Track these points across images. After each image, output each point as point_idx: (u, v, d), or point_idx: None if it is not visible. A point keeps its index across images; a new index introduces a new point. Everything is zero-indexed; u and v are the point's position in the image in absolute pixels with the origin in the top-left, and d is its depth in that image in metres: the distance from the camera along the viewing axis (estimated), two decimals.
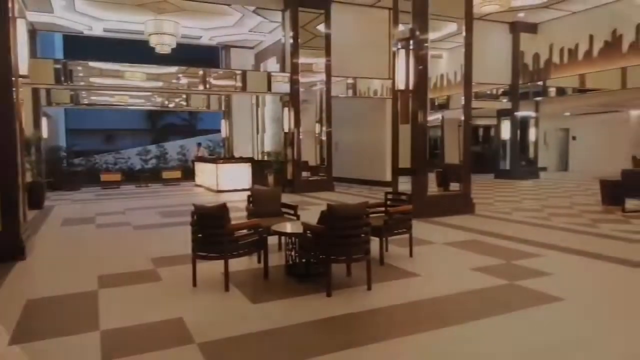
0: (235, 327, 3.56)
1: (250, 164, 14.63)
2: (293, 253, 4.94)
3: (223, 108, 19.51)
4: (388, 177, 12.76)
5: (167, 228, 8.16)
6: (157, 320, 3.76)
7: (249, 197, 6.12)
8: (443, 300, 4.15)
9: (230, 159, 15.62)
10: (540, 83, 16.99)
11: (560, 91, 16.71)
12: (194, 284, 4.62)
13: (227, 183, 14.10)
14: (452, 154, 11.75)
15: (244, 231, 4.75)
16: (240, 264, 5.25)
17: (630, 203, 8.95)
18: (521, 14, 15.85)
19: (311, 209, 9.49)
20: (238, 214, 8.06)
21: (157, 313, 3.90)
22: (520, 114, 17.39)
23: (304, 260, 4.72)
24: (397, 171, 9.02)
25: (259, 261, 5.34)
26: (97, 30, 15.96)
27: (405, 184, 8.76)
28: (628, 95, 14.91)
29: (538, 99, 17.43)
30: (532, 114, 17.81)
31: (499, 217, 8.60)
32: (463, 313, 3.80)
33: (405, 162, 8.85)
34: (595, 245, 6.15)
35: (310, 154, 14.41)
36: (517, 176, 17.01)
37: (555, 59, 16.32)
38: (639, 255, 5.53)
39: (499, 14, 15.12)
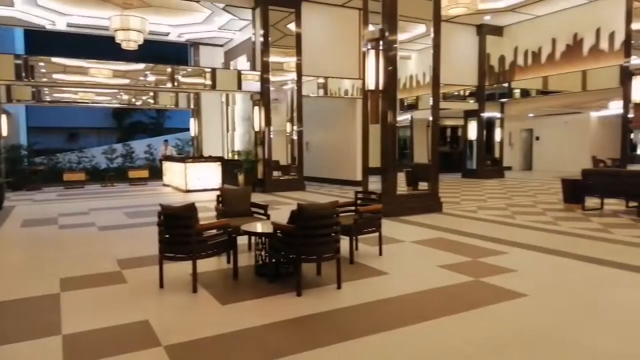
0: (203, 329, 3.51)
1: (220, 163, 14.47)
2: (263, 253, 4.92)
3: (192, 106, 19.20)
4: (359, 176, 12.88)
5: (133, 229, 7.98)
6: (122, 323, 3.66)
7: (218, 196, 6.05)
8: (411, 297, 4.21)
9: (200, 158, 15.39)
10: (505, 85, 17.46)
11: (525, 93, 17.23)
12: (161, 286, 4.53)
13: (196, 183, 13.90)
14: (421, 154, 11.94)
15: (213, 231, 4.69)
16: (209, 264, 5.19)
17: (590, 201, 9.31)
18: (487, 17, 16.25)
19: (282, 209, 9.47)
20: (207, 214, 7.98)
21: (122, 316, 3.81)
22: (486, 114, 17.82)
23: (273, 260, 4.70)
24: (367, 170, 9.10)
25: (228, 261, 5.29)
26: (61, 25, 15.42)
27: (375, 183, 8.84)
28: (588, 97, 15.50)
29: (503, 100, 17.91)
30: (498, 114, 18.28)
31: (465, 216, 8.79)
32: (430, 310, 3.87)
33: (375, 161, 8.94)
34: (557, 242, 6.36)
35: (281, 153, 14.36)
36: (483, 175, 17.44)
37: (520, 61, 16.80)
38: (597, 252, 5.75)
39: (466, 17, 15.42)
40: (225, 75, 14.25)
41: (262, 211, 5.86)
